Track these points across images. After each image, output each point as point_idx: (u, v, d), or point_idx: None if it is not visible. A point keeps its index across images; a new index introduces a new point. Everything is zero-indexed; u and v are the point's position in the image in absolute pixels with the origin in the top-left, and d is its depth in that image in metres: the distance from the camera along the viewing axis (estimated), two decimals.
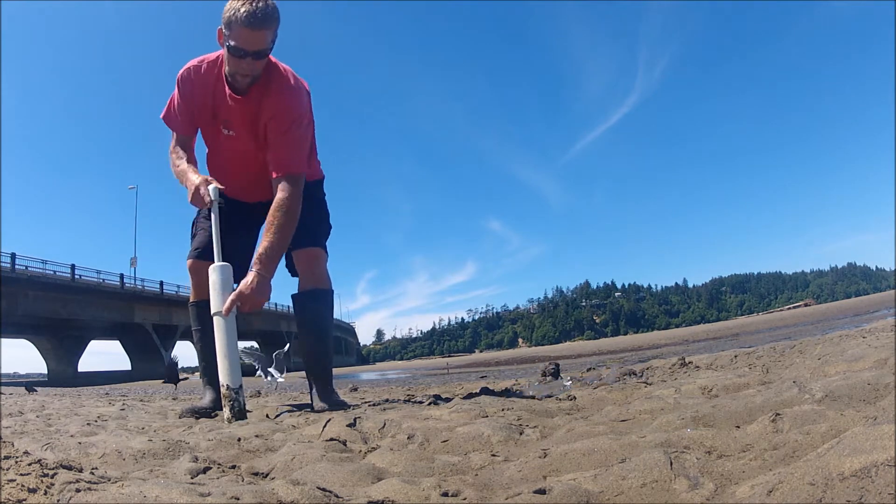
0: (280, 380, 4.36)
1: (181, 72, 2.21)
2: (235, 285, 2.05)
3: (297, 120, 2.15)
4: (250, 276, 2.00)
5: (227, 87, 2.15)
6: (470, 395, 2.42)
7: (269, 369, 4.26)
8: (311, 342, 2.44)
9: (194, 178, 2.15)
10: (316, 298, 2.41)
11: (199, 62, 2.20)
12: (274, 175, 2.14)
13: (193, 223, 2.48)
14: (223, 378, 2.00)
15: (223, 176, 2.29)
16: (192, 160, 2.30)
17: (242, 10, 1.93)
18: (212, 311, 2.02)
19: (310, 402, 2.45)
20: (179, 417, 2.31)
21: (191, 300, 2.43)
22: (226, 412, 1.99)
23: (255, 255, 2.07)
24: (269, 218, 2.10)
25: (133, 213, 44.07)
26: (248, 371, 2.72)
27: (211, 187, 2.12)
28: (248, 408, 2.58)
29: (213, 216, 2.12)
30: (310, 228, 2.37)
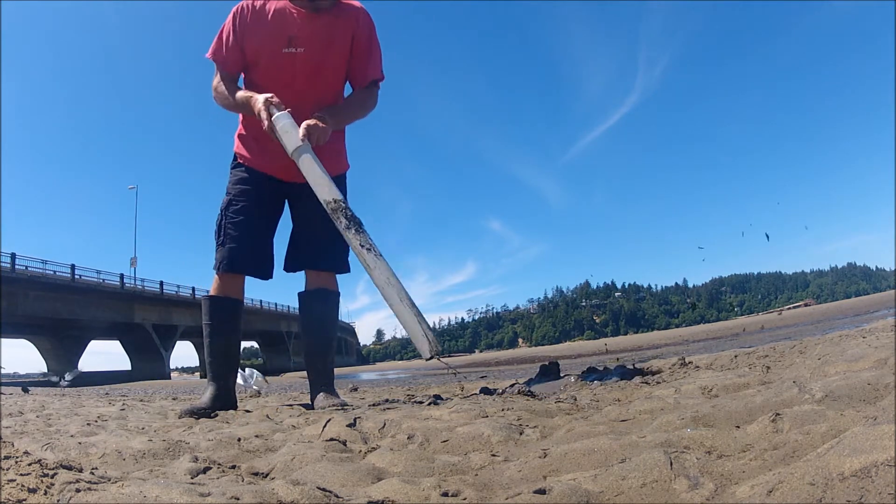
0: (254, 386, 4.84)
1: (239, 7, 2.27)
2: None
3: (371, 34, 2.35)
4: (313, 118, 2.14)
5: (294, 8, 2.23)
6: (470, 396, 2.42)
7: (250, 379, 4.83)
8: (313, 342, 2.45)
9: (260, 98, 2.15)
10: (322, 299, 2.43)
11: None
12: (358, 85, 2.39)
13: (219, 227, 2.41)
14: (327, 195, 2.01)
15: (258, 149, 2.35)
16: (237, 89, 2.33)
17: None
18: (290, 151, 2.08)
19: (310, 401, 2.45)
20: (179, 418, 2.31)
21: (212, 293, 2.41)
22: (343, 226, 1.98)
23: (329, 111, 2.24)
24: (349, 97, 2.40)
25: (133, 213, 44.06)
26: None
27: (274, 104, 2.13)
28: (248, 408, 2.59)
29: (278, 134, 2.11)
30: (338, 251, 2.42)
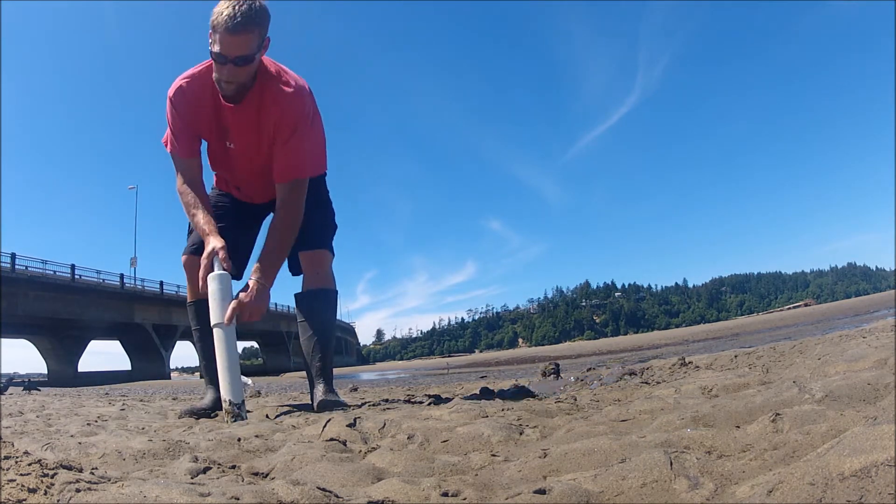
0: (249, 384, 4.97)
1: (171, 91, 2.09)
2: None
3: (297, 125, 2.09)
4: (250, 283, 1.99)
5: (220, 98, 2.06)
6: (470, 396, 2.42)
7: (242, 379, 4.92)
8: (312, 342, 2.44)
9: (214, 241, 2.01)
10: (320, 298, 2.42)
11: (189, 76, 2.10)
12: (277, 182, 2.13)
13: (190, 227, 2.43)
14: (224, 392, 1.95)
15: (229, 187, 2.34)
16: (202, 197, 2.16)
17: (224, 13, 1.85)
18: (212, 323, 1.97)
19: (310, 402, 2.45)
20: (179, 418, 2.30)
21: (189, 299, 2.42)
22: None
23: (256, 263, 2.05)
24: (271, 223, 2.11)
25: (133, 213, 44.09)
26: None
27: (218, 256, 1.99)
28: (248, 408, 2.59)
29: (211, 293, 1.98)
30: (315, 229, 2.36)
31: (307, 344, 2.43)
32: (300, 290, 2.45)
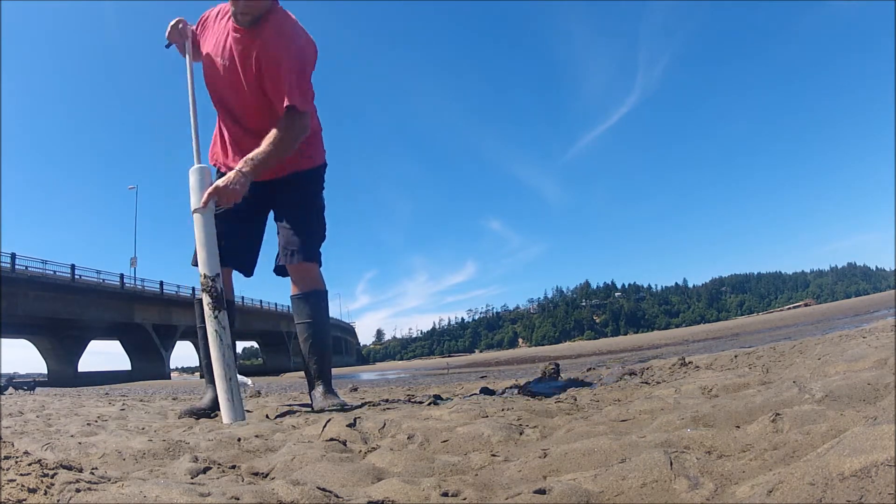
0: (249, 384, 5.47)
1: (205, 14, 2.40)
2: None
3: (287, 49, 2.19)
4: (230, 173, 2.13)
5: (232, 23, 2.25)
6: (470, 395, 2.42)
7: (242, 379, 5.28)
8: (309, 342, 2.45)
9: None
10: (311, 299, 2.43)
11: (219, 6, 2.35)
12: (279, 112, 2.24)
13: None
14: (201, 267, 2.05)
15: (222, 104, 2.40)
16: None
17: None
18: (191, 209, 2.10)
19: (310, 402, 2.45)
20: (179, 418, 2.31)
21: (198, 297, 2.40)
22: (206, 302, 2.06)
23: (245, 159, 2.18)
24: (268, 135, 2.20)
25: (133, 213, 44.04)
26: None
27: (195, 167, 2.16)
28: (248, 408, 2.59)
29: (191, 184, 2.14)
30: (304, 240, 2.41)
31: (304, 345, 2.44)
32: (293, 294, 2.46)
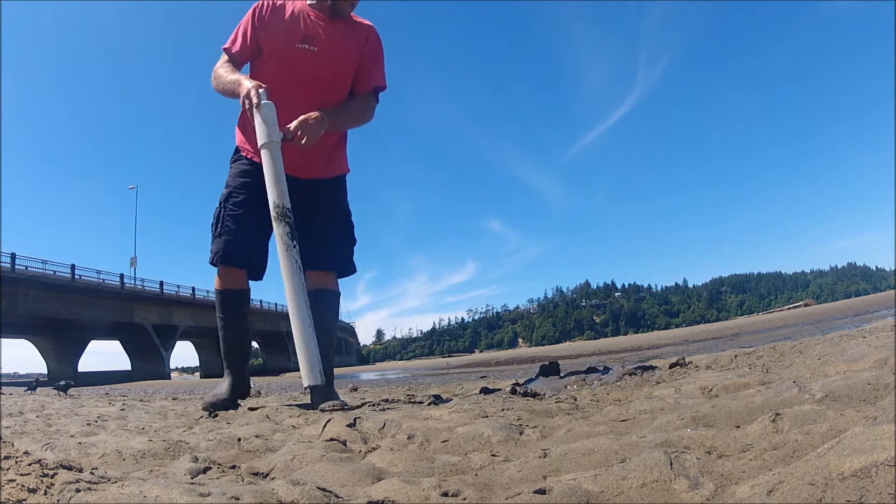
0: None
1: (261, 2, 2.39)
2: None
3: (381, 47, 2.49)
4: (312, 113, 2.21)
5: (312, 11, 2.36)
6: (470, 395, 2.42)
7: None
8: (321, 335, 2.47)
9: (247, 82, 2.21)
10: (323, 300, 2.44)
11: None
12: (361, 91, 2.46)
13: (216, 219, 2.44)
14: (275, 198, 2.05)
15: (282, 92, 2.35)
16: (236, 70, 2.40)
17: None
18: (262, 141, 2.08)
19: (310, 402, 2.45)
20: (204, 409, 2.38)
21: (217, 288, 2.46)
22: (282, 232, 2.03)
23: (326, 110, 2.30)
24: (348, 102, 2.42)
25: (133, 213, 44.02)
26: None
27: (262, 90, 2.14)
28: (248, 407, 2.59)
29: (257, 120, 2.12)
30: (345, 251, 2.52)
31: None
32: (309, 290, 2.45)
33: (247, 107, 2.16)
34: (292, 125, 2.14)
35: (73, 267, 28.90)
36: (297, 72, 2.35)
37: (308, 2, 2.39)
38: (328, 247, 2.46)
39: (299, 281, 2.00)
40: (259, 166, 2.35)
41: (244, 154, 2.47)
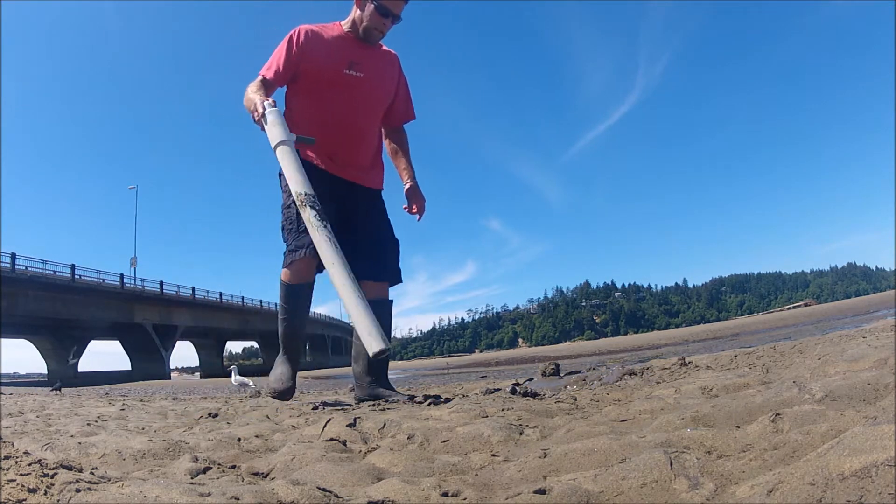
0: (251, 385, 6.08)
1: (297, 31, 2.44)
2: None
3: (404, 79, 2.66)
4: (413, 186, 2.62)
5: (350, 37, 2.46)
6: (470, 395, 2.42)
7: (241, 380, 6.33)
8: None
9: (256, 96, 2.26)
10: (388, 309, 2.62)
11: (314, 26, 2.48)
12: (399, 123, 2.67)
13: (294, 219, 2.43)
14: (298, 187, 2.05)
15: (337, 117, 2.45)
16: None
17: None
18: (277, 140, 2.12)
19: (360, 397, 2.56)
20: (271, 395, 2.55)
21: (292, 281, 2.50)
22: (310, 216, 2.01)
23: (408, 167, 2.65)
24: (400, 144, 2.68)
25: (133, 213, 43.90)
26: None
27: (267, 102, 2.20)
28: (248, 407, 2.59)
29: (268, 125, 2.16)
30: (390, 260, 2.64)
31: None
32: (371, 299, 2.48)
33: (256, 119, 2.20)
34: (417, 215, 2.59)
35: (73, 267, 28.88)
36: (352, 97, 2.44)
37: (344, 27, 2.47)
38: (382, 258, 2.58)
39: (338, 253, 1.98)
40: (311, 167, 2.40)
41: (304, 156, 2.47)
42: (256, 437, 1.46)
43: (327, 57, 2.42)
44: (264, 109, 2.18)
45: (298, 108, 2.50)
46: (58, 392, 7.35)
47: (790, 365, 1.86)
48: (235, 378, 6.34)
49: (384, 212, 2.65)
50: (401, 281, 2.67)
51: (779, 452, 0.79)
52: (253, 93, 2.35)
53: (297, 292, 2.51)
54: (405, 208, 2.62)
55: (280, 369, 2.54)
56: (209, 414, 2.30)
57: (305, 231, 2.31)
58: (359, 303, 1.82)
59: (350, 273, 1.90)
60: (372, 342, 1.77)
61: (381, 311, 2.55)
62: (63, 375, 30.24)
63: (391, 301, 2.64)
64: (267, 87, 2.42)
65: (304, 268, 2.47)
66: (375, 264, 2.53)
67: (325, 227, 2.03)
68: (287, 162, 2.11)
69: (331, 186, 2.44)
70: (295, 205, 2.34)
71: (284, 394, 2.48)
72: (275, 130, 2.14)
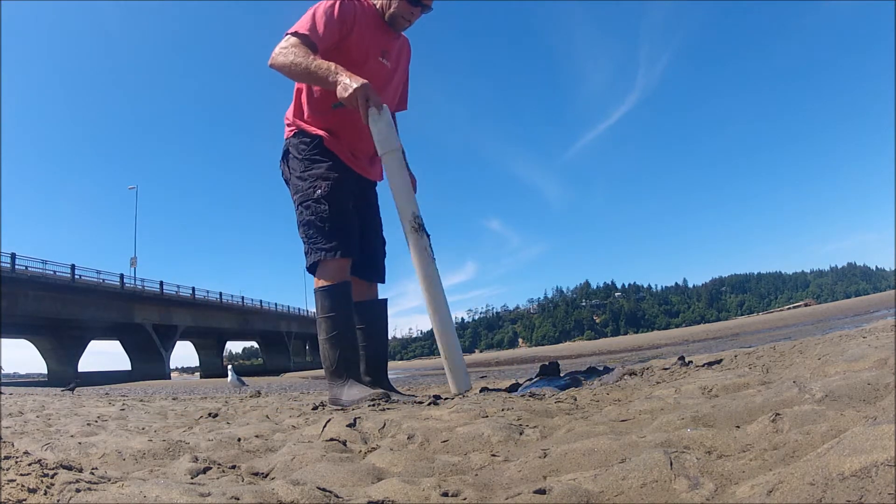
0: (246, 384, 6.49)
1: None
2: None
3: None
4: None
5: (383, 23, 2.31)
6: (470, 395, 2.42)
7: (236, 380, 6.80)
8: (380, 347, 2.54)
9: (350, 79, 2.01)
10: (379, 315, 2.58)
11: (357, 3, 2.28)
12: (396, 111, 2.55)
13: (323, 217, 2.22)
14: (410, 207, 2.10)
15: (342, 146, 2.34)
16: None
17: None
18: (386, 149, 2.09)
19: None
20: (371, 402, 2.06)
21: (331, 283, 2.22)
22: (424, 244, 2.03)
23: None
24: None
25: (133, 213, 44.00)
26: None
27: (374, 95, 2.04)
28: (247, 408, 2.59)
29: (378, 126, 2.06)
30: (382, 261, 2.60)
31: (373, 348, 2.50)
32: (358, 301, 2.43)
33: (364, 113, 2.02)
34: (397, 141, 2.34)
35: (73, 267, 28.88)
36: (379, 89, 2.21)
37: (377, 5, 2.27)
38: (375, 257, 2.54)
39: (442, 294, 2.02)
40: (342, 165, 2.31)
41: (327, 146, 2.31)
42: (256, 437, 1.46)
43: (371, 40, 2.24)
44: (377, 106, 2.04)
45: (323, 91, 2.21)
46: (72, 391, 7.40)
47: (790, 365, 1.86)
48: (231, 377, 6.59)
49: (378, 207, 2.61)
50: (384, 281, 2.61)
51: (779, 452, 0.79)
52: (317, 60, 2.06)
53: (344, 292, 2.22)
54: None
55: (355, 389, 2.16)
56: (209, 414, 2.29)
57: (338, 229, 2.21)
58: (455, 346, 2.02)
59: (450, 313, 2.03)
60: (460, 384, 2.03)
61: (382, 311, 2.58)
62: (64, 375, 30.29)
63: (385, 300, 2.63)
64: (312, 49, 2.13)
65: (346, 267, 2.27)
66: (371, 264, 2.51)
67: (434, 260, 2.05)
68: (399, 175, 2.09)
69: (357, 185, 2.40)
70: (324, 201, 2.23)
71: (371, 398, 2.06)
72: (386, 134, 2.08)
